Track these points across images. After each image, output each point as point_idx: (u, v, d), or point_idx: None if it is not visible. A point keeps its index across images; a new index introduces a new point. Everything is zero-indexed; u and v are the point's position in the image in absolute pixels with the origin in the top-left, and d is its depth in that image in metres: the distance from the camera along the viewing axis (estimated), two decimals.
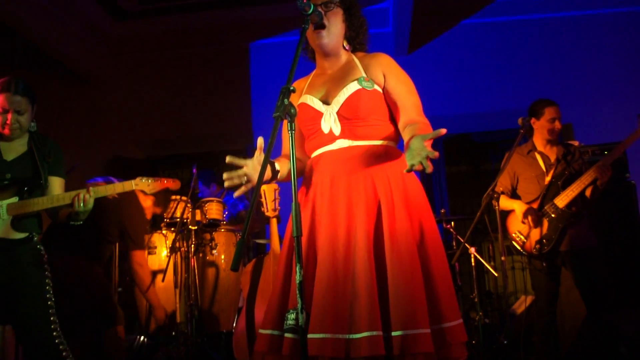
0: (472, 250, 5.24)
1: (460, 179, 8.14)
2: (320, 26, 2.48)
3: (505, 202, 4.27)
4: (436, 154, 2.06)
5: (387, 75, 2.54)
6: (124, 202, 4.15)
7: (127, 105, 7.36)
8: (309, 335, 2.17)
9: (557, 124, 4.28)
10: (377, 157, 2.46)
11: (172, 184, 3.13)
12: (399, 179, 2.44)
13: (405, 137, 2.37)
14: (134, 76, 7.51)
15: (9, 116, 3.16)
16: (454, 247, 5.58)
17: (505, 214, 4.29)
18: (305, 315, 1.94)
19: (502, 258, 4.11)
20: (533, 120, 4.29)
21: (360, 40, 2.65)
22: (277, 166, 2.51)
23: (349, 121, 2.46)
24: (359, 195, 2.39)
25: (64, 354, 3.05)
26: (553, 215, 4.09)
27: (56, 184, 3.27)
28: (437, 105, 6.89)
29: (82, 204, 3.07)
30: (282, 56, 5.61)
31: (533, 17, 7.08)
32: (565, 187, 4.11)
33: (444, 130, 2.10)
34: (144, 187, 3.07)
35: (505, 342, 4.91)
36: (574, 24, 7.02)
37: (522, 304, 5.41)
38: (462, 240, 4.67)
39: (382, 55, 2.60)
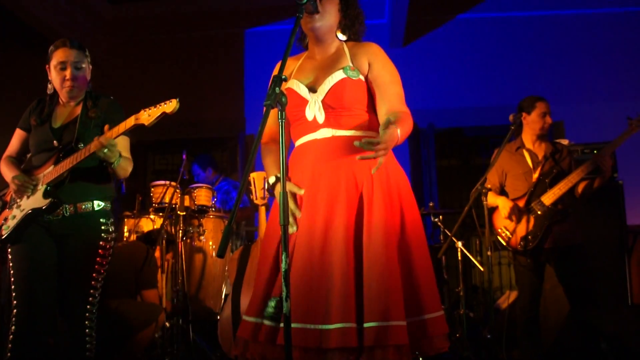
0: (459, 244, 5.26)
1: (450, 172, 8.15)
2: (314, 11, 2.48)
3: (491, 199, 4.28)
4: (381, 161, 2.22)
5: (372, 63, 2.54)
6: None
7: (118, 89, 7.31)
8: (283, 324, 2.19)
9: (548, 119, 4.28)
10: (361, 151, 2.44)
11: (169, 106, 2.89)
12: (381, 169, 2.42)
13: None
14: (126, 59, 7.47)
15: (68, 71, 3.12)
16: (442, 241, 5.60)
17: (492, 210, 4.30)
18: (289, 305, 1.94)
19: (489, 253, 4.13)
20: (524, 115, 4.29)
21: (355, 30, 2.64)
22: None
23: (334, 110, 2.47)
24: (340, 186, 2.40)
25: (87, 338, 3.00)
26: (539, 212, 4.10)
27: (118, 143, 3.03)
28: (430, 99, 6.91)
29: (104, 150, 2.91)
30: (276, 44, 5.59)
31: (528, 15, 7.11)
32: (553, 185, 4.11)
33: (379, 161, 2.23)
34: (144, 120, 2.89)
35: (488, 336, 4.94)
36: (568, 22, 7.05)
37: (506, 299, 5.45)
38: (449, 234, 4.69)
39: (370, 44, 2.61)
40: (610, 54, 6.91)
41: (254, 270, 4.12)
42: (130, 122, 2.93)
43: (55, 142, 3.10)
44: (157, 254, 4.61)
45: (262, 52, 7.23)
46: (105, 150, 2.91)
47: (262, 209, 4.23)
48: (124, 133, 2.98)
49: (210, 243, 5.08)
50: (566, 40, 7.02)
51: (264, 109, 2.04)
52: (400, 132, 2.31)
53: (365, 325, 2.21)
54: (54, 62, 3.16)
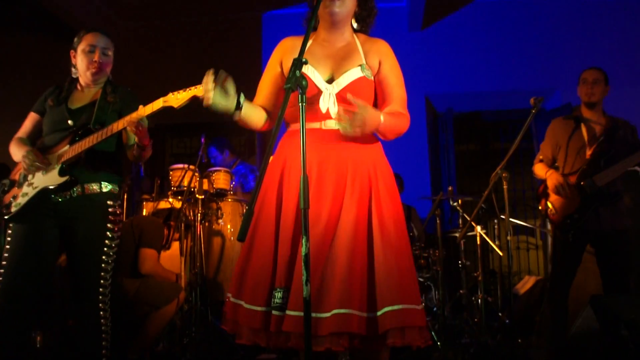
0: (478, 228, 5.24)
1: (468, 157, 8.12)
2: None
3: (539, 171, 4.21)
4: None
5: (383, 62, 2.61)
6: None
7: (137, 73, 7.34)
8: (288, 312, 2.22)
9: (588, 87, 4.16)
10: (364, 143, 2.52)
11: (199, 90, 2.90)
12: (382, 166, 2.53)
13: None
14: (143, 43, 7.48)
15: (96, 54, 3.22)
16: (460, 225, 5.58)
17: (540, 182, 4.22)
18: (309, 289, 1.94)
19: (508, 237, 4.09)
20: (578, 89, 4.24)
21: (369, 22, 2.70)
22: (243, 101, 2.51)
23: (347, 105, 2.45)
24: (346, 178, 2.43)
25: (102, 320, 3.02)
26: (588, 192, 3.97)
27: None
28: (449, 83, 6.85)
29: (139, 127, 2.93)
30: (294, 27, 5.52)
31: None
32: (608, 166, 3.95)
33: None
34: (172, 102, 2.93)
35: (507, 321, 4.93)
36: (589, 4, 6.93)
37: (525, 284, 5.43)
38: (468, 219, 4.66)
39: (382, 42, 2.67)
40: (633, 37, 6.79)
41: None
42: (158, 103, 2.97)
43: (70, 121, 3.15)
44: (176, 236, 4.65)
45: (279, 36, 7.09)
46: (140, 129, 2.95)
47: None
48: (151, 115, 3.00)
49: (229, 226, 5.10)
50: (587, 23, 6.91)
51: (285, 92, 2.04)
52: (384, 120, 2.43)
53: (388, 308, 2.25)
54: (82, 46, 3.24)
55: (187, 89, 2.94)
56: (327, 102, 2.50)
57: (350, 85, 2.50)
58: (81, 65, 3.24)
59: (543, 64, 6.81)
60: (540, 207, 4.22)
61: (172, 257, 4.72)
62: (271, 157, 4.20)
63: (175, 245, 4.75)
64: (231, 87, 2.43)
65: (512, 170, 4.43)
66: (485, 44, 7.02)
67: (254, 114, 2.64)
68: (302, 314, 2.17)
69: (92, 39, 3.23)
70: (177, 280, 4.43)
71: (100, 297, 3.04)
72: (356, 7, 2.63)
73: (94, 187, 3.11)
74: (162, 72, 7.27)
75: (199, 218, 4.73)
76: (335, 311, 2.22)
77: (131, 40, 7.47)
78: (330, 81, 2.54)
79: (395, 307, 2.25)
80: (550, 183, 4.10)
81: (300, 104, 2.05)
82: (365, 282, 2.31)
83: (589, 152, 4.07)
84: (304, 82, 2.05)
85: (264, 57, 7.23)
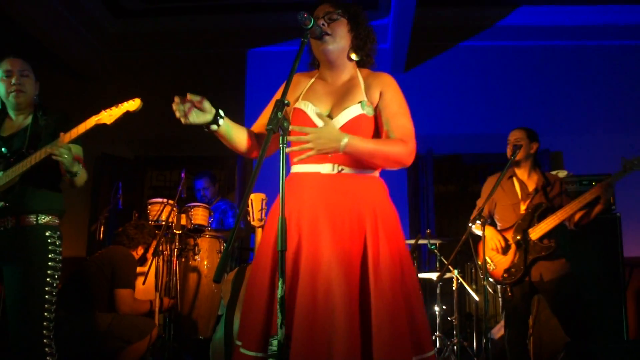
0: (455, 272, 5.24)
1: (447, 199, 8.16)
2: (320, 35, 2.43)
3: (477, 227, 4.23)
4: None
5: (384, 92, 2.50)
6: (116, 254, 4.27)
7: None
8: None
9: (508, 147, 4.26)
10: (364, 186, 2.42)
11: (131, 105, 3.04)
12: (383, 209, 2.41)
13: None
14: (129, 74, 7.48)
15: (14, 77, 3.12)
16: (437, 268, 5.58)
17: (478, 239, 4.25)
18: (284, 332, 1.91)
19: (484, 283, 4.09)
20: None
21: (367, 50, 2.58)
22: (222, 117, 2.54)
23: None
24: (344, 224, 2.33)
25: (46, 349, 2.90)
26: (524, 246, 4.06)
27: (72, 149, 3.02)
28: (430, 125, 6.91)
29: (64, 155, 2.87)
30: (279, 65, 5.55)
31: (529, 44, 7.15)
32: (541, 220, 4.06)
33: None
34: (105, 119, 2.94)
35: None
36: (569, 53, 7.10)
37: (501, 329, 5.40)
38: (445, 262, 4.66)
39: (385, 75, 2.57)
40: (610, 86, 6.94)
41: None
42: (91, 122, 2.98)
43: (3, 149, 3.06)
44: (153, 270, 4.60)
45: (263, 73, 7.23)
46: (66, 156, 2.88)
47: (259, 231, 4.20)
48: (81, 137, 3.00)
49: (205, 263, 5.05)
50: (566, 71, 7.06)
51: (267, 133, 2.02)
52: (354, 141, 2.28)
53: None
54: None
55: (119, 105, 3.03)
56: None
57: (349, 123, 2.41)
58: (2, 92, 3.17)
59: (523, 109, 6.91)
60: (479, 262, 4.24)
61: (146, 292, 4.65)
62: (256, 195, 4.22)
63: (151, 280, 4.69)
64: (207, 104, 2.45)
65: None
66: (467, 87, 7.12)
67: (235, 133, 2.62)
68: None
69: (6, 65, 3.16)
70: (151, 306, 4.36)
71: (45, 332, 2.90)
72: (351, 39, 2.53)
73: (30, 218, 2.99)
74: (145, 103, 7.24)
75: (175, 253, 4.68)
76: None
77: (115, 72, 7.47)
78: (329, 119, 2.43)
79: None
80: (488, 239, 4.12)
81: (281, 146, 2.04)
82: (365, 334, 2.20)
83: (523, 208, 4.17)
84: (285, 124, 2.03)
85: (248, 93, 7.26)
